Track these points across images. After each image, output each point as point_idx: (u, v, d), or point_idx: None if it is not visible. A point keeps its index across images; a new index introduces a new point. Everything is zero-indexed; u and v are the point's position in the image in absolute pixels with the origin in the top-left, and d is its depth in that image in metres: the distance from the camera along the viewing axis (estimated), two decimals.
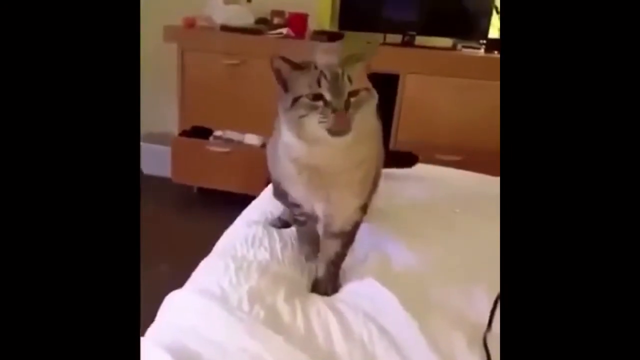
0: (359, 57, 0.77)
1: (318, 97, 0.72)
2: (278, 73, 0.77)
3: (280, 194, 0.97)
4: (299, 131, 0.75)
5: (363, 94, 0.75)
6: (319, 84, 0.72)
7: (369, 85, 0.78)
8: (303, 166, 0.82)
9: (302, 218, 0.98)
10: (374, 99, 0.78)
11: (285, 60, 0.76)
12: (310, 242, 1.01)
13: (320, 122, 0.72)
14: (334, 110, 0.71)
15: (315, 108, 0.72)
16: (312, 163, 0.80)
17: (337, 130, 0.72)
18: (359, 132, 0.74)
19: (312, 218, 0.95)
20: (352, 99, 0.73)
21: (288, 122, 0.76)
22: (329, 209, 0.89)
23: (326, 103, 0.72)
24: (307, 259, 1.01)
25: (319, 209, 0.90)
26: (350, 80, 0.73)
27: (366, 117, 0.76)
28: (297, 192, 0.89)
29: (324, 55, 0.77)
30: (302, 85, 0.74)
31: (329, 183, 0.83)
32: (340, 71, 0.73)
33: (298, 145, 0.78)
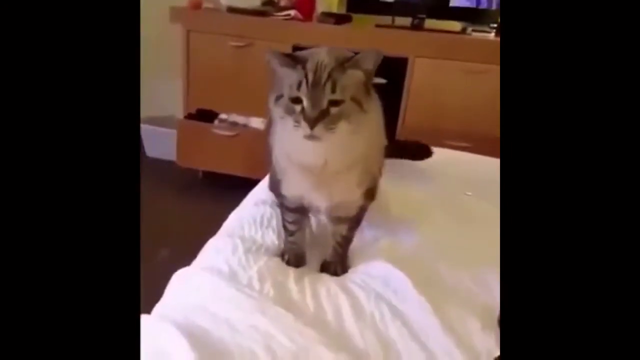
0: (357, 62, 0.71)
1: (297, 100, 0.69)
2: (269, 66, 0.74)
3: (276, 190, 0.94)
4: (286, 130, 0.73)
5: (347, 105, 0.69)
6: (299, 86, 0.69)
7: (365, 96, 0.72)
8: (295, 163, 0.79)
9: (292, 227, 0.92)
10: (364, 113, 0.72)
11: (276, 55, 0.73)
12: (295, 261, 0.92)
13: (294, 127, 0.69)
14: (306, 119, 0.68)
15: (293, 111, 0.69)
16: (302, 162, 0.78)
17: (310, 138, 0.69)
18: (341, 142, 0.71)
19: (312, 210, 0.92)
20: (333, 109, 0.69)
21: (276, 118, 0.75)
22: (330, 202, 0.86)
23: (303, 109, 0.69)
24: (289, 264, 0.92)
25: (319, 202, 0.87)
26: (334, 88, 0.68)
27: (354, 128, 0.71)
28: (294, 185, 0.85)
29: (322, 53, 0.72)
30: (286, 84, 0.71)
31: (325, 181, 0.80)
32: (325, 76, 0.68)
33: (288, 140, 0.76)
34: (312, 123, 0.67)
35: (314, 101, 0.68)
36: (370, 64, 0.73)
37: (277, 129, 0.79)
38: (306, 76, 0.69)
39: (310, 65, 0.70)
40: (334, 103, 0.69)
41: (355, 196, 0.86)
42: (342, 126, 0.69)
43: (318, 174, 0.78)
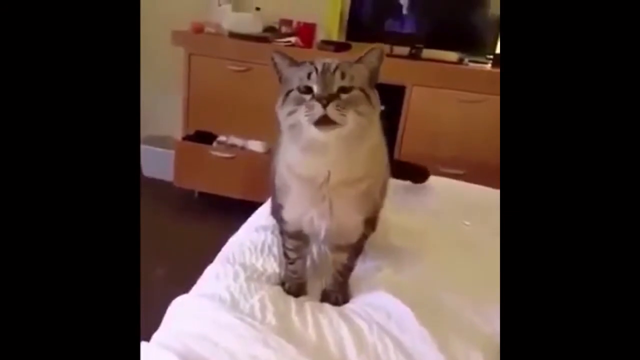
0: (362, 58, 0.76)
1: (307, 90, 0.71)
2: (276, 68, 0.77)
3: (277, 215, 0.93)
4: (292, 133, 0.73)
5: (356, 93, 0.71)
6: (309, 77, 0.71)
7: (372, 92, 0.75)
8: (297, 176, 0.79)
9: (293, 255, 0.92)
10: (372, 108, 0.74)
11: (283, 55, 0.76)
12: (296, 290, 0.92)
13: (305, 115, 0.69)
14: (318, 99, 0.68)
15: (303, 101, 0.70)
16: (305, 174, 0.77)
17: (322, 124, 0.68)
18: (351, 133, 0.70)
19: (313, 236, 0.90)
20: (344, 95, 0.70)
21: (282, 122, 0.75)
22: (331, 223, 0.83)
23: (314, 96, 0.70)
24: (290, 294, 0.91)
25: (319, 223, 0.83)
26: (343, 76, 0.71)
27: (363, 122, 0.71)
28: (295, 203, 0.84)
29: (326, 59, 0.75)
30: (295, 79, 0.73)
31: (327, 197, 0.79)
32: (333, 66, 0.71)
33: (292, 151, 0.77)
34: (325, 102, 0.68)
35: (325, 86, 0.70)
36: (374, 59, 0.76)
37: (282, 141, 0.79)
38: (315, 68, 0.71)
39: (318, 62, 0.73)
40: (343, 90, 0.70)
41: (355, 222, 0.85)
42: (352, 116, 0.70)
43: (320, 187, 0.77)
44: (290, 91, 0.73)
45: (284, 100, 0.74)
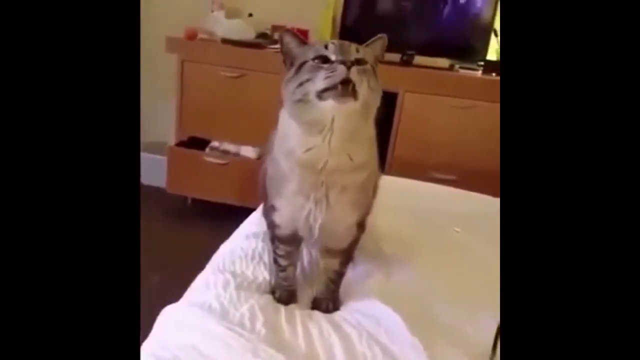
0: (368, 46, 0.78)
1: (324, 60, 0.71)
2: (284, 47, 0.78)
3: (268, 218, 0.93)
4: (297, 109, 0.73)
5: (369, 67, 0.73)
6: (326, 47, 0.72)
7: (377, 73, 0.75)
8: (297, 161, 0.77)
9: (283, 262, 0.92)
10: (379, 86, 0.74)
11: (293, 35, 0.77)
12: (287, 298, 0.91)
13: (326, 78, 0.68)
14: (342, 63, 0.68)
15: (319, 69, 0.70)
16: (305, 157, 0.76)
17: (343, 89, 0.68)
18: (359, 110, 0.71)
19: (305, 237, 0.89)
20: (359, 67, 0.70)
21: (288, 98, 0.74)
22: (325, 216, 0.80)
23: (332, 63, 0.70)
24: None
25: (314, 218, 0.81)
26: (358, 50, 0.72)
27: (371, 99, 0.72)
28: (290, 197, 0.81)
29: None
30: (309, 52, 0.73)
31: (326, 182, 0.77)
32: (348, 43, 0.73)
33: (294, 131, 0.75)
34: (348, 65, 0.68)
35: (343, 54, 0.70)
36: (378, 48, 0.79)
37: (281, 128, 0.79)
38: (331, 41, 0.73)
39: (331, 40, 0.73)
40: (358, 62, 0.71)
41: (349, 219, 0.85)
42: (364, 88, 0.70)
43: (319, 172, 0.76)
44: (303, 63, 0.72)
45: (296, 72, 0.73)
